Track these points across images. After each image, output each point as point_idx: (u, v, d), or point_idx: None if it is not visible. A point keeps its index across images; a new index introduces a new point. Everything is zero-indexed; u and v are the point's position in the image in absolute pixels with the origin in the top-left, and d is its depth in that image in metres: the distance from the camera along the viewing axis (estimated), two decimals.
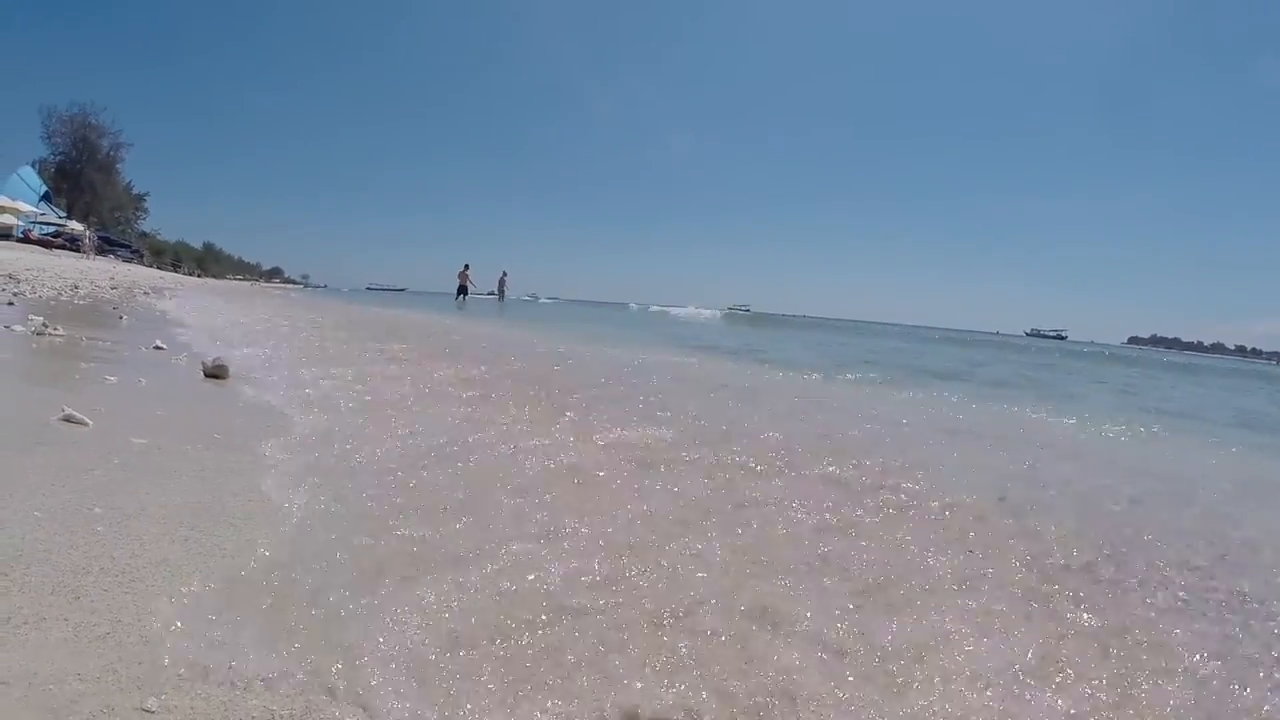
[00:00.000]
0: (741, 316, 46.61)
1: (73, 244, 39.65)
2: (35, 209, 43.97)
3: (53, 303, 8.80)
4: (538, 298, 58.43)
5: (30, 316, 6.27)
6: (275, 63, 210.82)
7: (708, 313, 33.60)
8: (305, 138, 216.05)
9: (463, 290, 27.06)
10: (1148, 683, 1.55)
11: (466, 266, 27.19)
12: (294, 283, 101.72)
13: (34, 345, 5.00)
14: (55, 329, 5.69)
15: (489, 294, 29.20)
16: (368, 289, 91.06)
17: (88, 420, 2.84)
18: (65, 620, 1.38)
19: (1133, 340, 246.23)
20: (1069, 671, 1.57)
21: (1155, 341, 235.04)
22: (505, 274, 29.46)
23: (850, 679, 1.48)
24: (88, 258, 33.03)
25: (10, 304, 7.78)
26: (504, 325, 14.71)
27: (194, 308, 12.41)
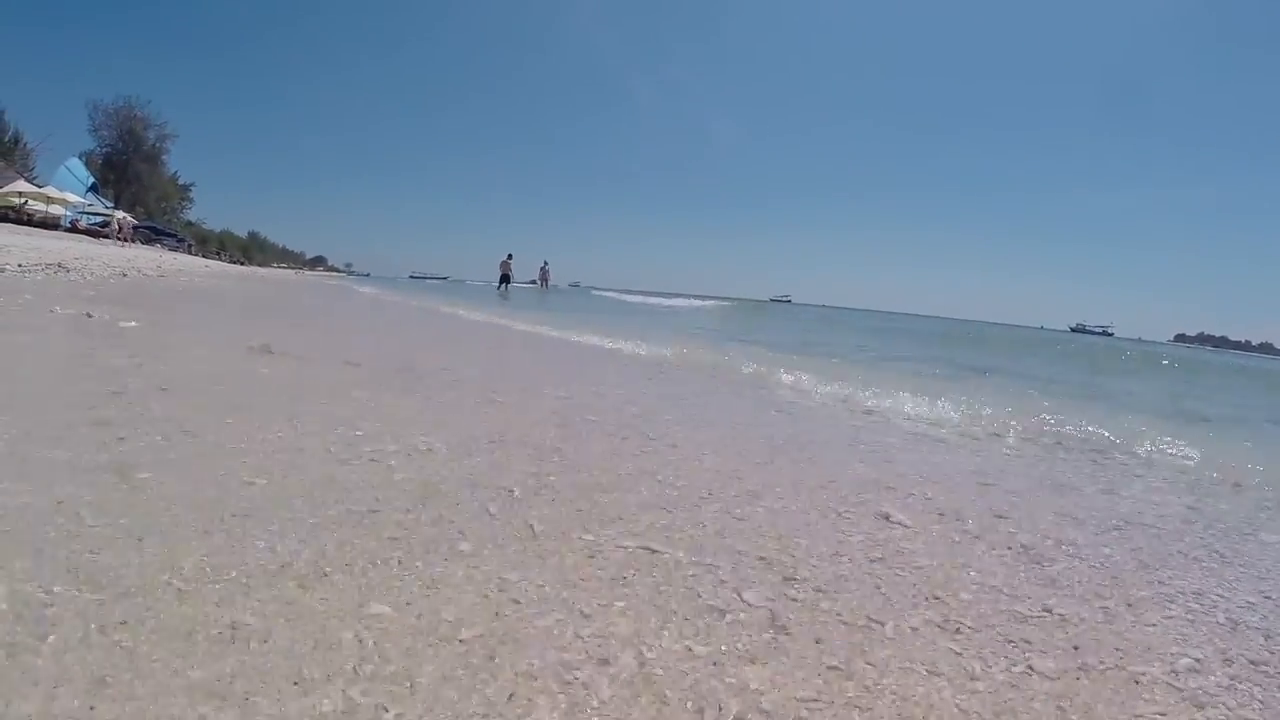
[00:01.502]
0: (779, 307, 46.10)
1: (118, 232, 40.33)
2: (83, 200, 44.78)
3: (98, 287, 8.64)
4: (578, 285, 58.94)
5: (64, 304, 6.06)
6: (320, 53, 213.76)
7: (698, 303, 32.75)
8: (349, 127, 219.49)
9: (505, 280, 27.22)
10: None
11: (509, 256, 27.33)
12: (337, 270, 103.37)
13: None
14: (104, 314, 5.48)
15: (530, 283, 29.27)
16: (410, 277, 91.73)
17: None
18: None
19: (1179, 338, 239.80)
20: None
21: (1203, 339, 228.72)
22: (546, 264, 29.93)
23: None
24: (122, 245, 32.98)
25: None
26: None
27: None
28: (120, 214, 43.83)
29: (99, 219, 42.60)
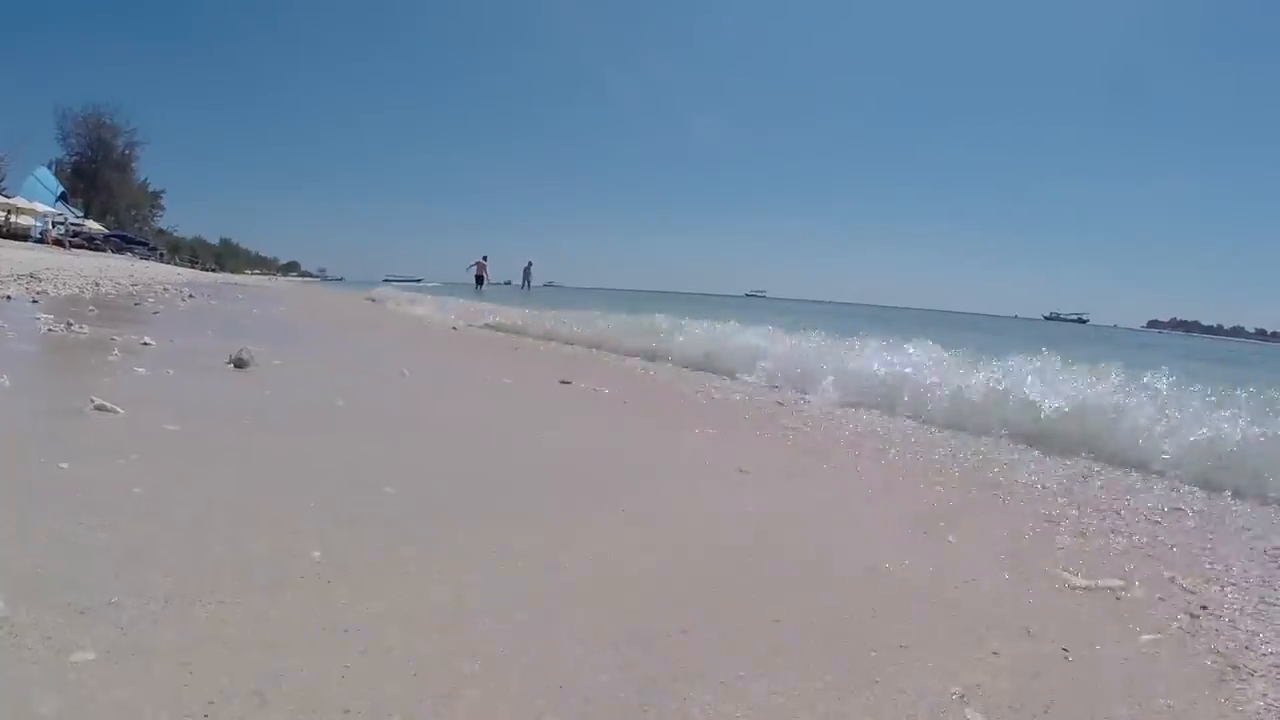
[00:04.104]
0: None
1: (89, 242, 39.98)
2: (53, 209, 44.25)
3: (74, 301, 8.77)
4: (553, 284, 59.26)
5: (41, 315, 6.22)
6: (291, 55, 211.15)
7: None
8: (321, 131, 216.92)
9: (480, 280, 27.90)
10: None
11: (484, 258, 27.97)
12: (311, 275, 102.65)
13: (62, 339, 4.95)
14: (81, 327, 5.66)
15: (506, 283, 29.65)
16: (385, 280, 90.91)
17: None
18: None
19: (1153, 324, 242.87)
20: None
21: (1175, 325, 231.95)
22: (531, 263, 30.32)
23: None
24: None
25: (34, 301, 7.75)
26: None
27: None
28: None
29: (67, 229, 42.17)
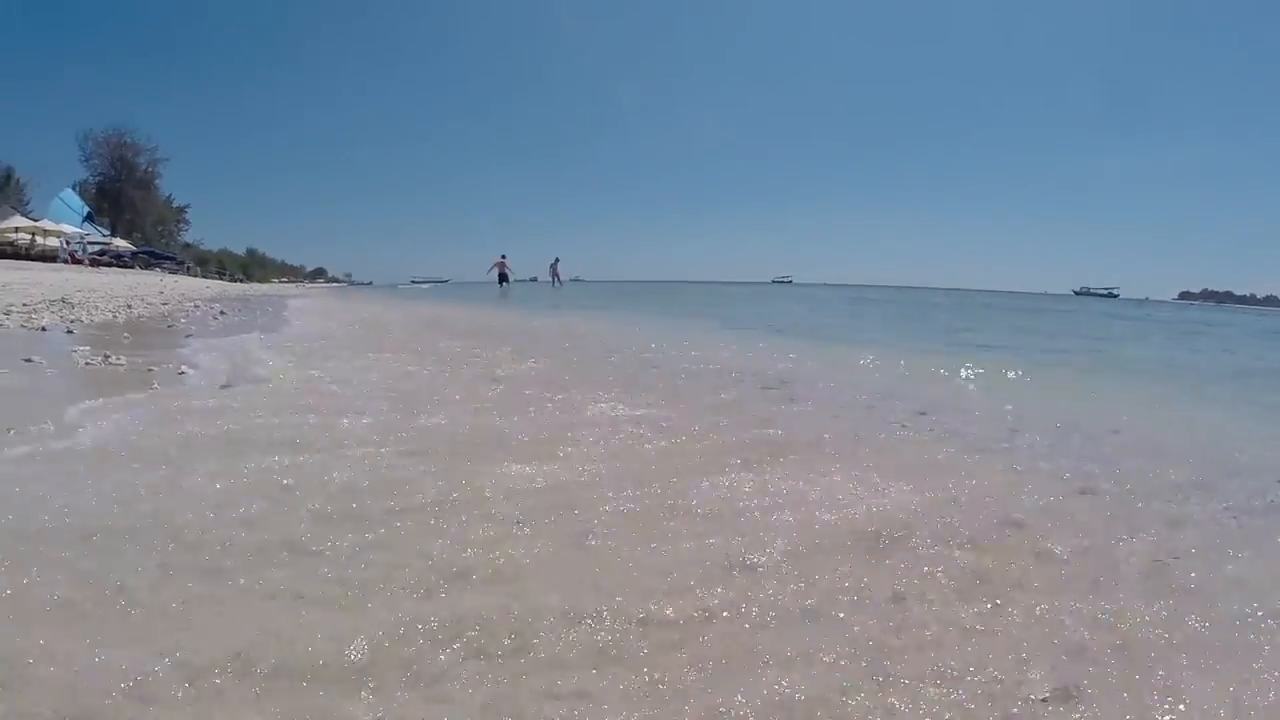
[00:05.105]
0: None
1: (117, 260, 40.68)
2: (79, 230, 45.03)
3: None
4: (579, 279, 60.19)
5: (77, 347, 6.20)
6: (308, 61, 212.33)
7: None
8: (342, 135, 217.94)
9: (503, 279, 28.24)
10: None
11: (504, 256, 28.30)
12: (338, 281, 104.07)
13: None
14: (118, 357, 5.62)
15: (532, 280, 29.94)
16: (411, 282, 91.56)
17: None
18: None
19: (1184, 295, 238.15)
20: None
21: (1206, 295, 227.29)
22: (557, 260, 30.33)
23: None
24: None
25: (70, 332, 7.73)
26: None
27: None
28: (117, 240, 43.82)
29: (96, 248, 43.00)
